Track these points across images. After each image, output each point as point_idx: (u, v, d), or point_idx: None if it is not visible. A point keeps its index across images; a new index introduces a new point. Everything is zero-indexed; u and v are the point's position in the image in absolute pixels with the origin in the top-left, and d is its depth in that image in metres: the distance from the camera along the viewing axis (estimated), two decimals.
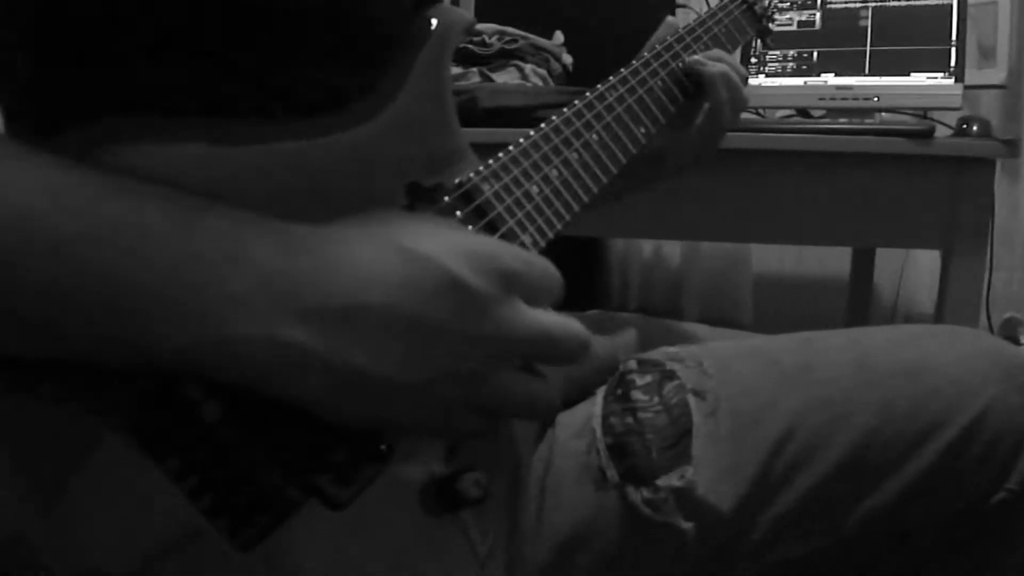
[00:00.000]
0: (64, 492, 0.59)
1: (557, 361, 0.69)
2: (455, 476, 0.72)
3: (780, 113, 2.39)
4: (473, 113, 1.81)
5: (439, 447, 0.73)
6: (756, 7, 1.36)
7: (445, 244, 0.64)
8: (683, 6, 2.37)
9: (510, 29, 2.13)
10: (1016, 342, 2.90)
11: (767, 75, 2.18)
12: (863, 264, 3.10)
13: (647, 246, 3.53)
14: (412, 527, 0.71)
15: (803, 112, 2.27)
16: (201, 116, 0.72)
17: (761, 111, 2.40)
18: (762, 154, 1.83)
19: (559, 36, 2.20)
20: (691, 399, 0.91)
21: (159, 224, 0.57)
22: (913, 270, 3.26)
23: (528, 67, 2.07)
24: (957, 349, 0.94)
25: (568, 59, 2.17)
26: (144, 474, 0.60)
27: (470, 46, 2.10)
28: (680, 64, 1.12)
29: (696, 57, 1.13)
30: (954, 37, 2.03)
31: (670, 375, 0.93)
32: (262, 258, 0.59)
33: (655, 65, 1.09)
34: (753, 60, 2.19)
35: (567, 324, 0.68)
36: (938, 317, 1.84)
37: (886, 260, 3.27)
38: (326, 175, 0.75)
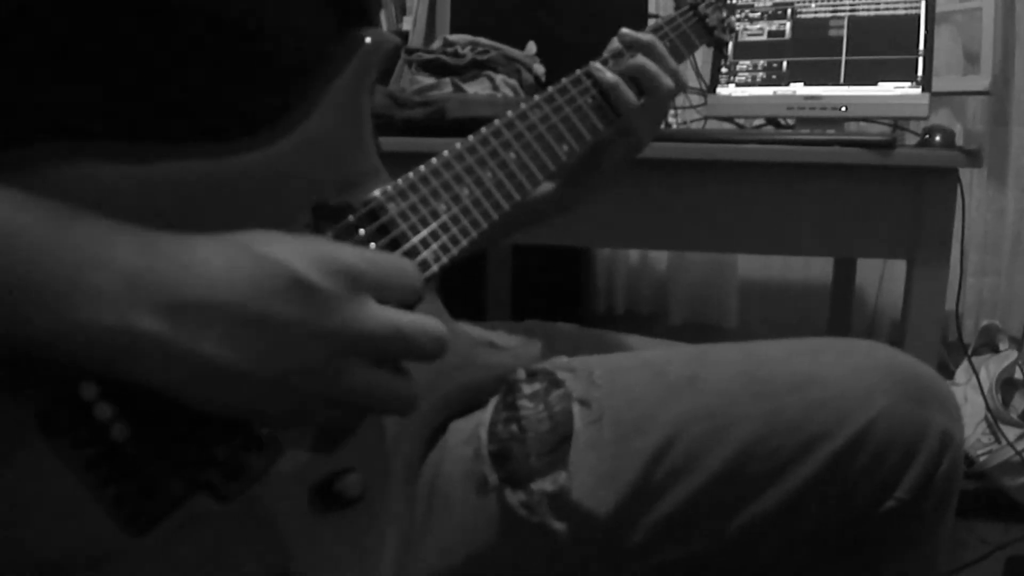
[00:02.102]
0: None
1: (412, 356, 0.73)
2: (334, 477, 0.78)
3: (754, 123, 2.41)
4: (441, 124, 1.84)
5: (327, 446, 0.79)
6: (708, 20, 1.37)
7: (292, 247, 0.68)
8: (655, 16, 2.39)
9: (483, 40, 2.14)
10: (995, 350, 2.90)
11: (737, 84, 2.19)
12: (845, 270, 3.11)
13: (634, 252, 3.55)
14: (301, 524, 0.77)
15: (773, 122, 2.29)
16: (114, 140, 0.76)
17: (740, 122, 2.42)
18: (729, 165, 1.85)
19: (532, 47, 2.21)
20: (576, 407, 0.94)
21: (31, 226, 0.62)
22: (893, 276, 3.26)
23: (499, 77, 2.09)
24: (849, 361, 0.96)
25: (540, 69, 2.18)
26: (54, 469, 0.66)
27: (443, 56, 2.12)
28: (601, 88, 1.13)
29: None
30: (921, 47, 2.04)
31: (557, 384, 0.96)
32: (123, 258, 0.64)
33: (587, 82, 1.11)
34: (724, 70, 2.20)
35: (421, 321, 0.71)
36: (903, 327, 1.85)
37: (868, 266, 3.28)
38: (231, 193, 0.80)
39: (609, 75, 1.13)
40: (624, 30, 1.18)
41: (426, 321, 0.72)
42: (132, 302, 0.62)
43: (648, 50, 1.17)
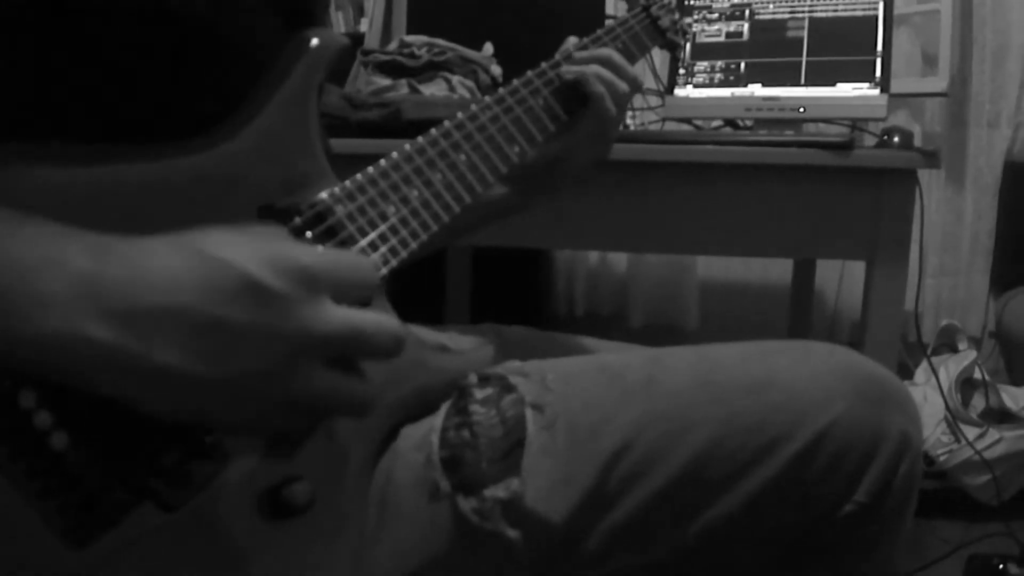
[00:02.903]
0: None
1: (371, 355, 0.71)
2: (282, 485, 0.76)
3: (712, 124, 2.41)
4: (397, 125, 1.83)
5: (276, 454, 0.77)
6: (660, 22, 1.37)
7: (246, 249, 0.66)
8: (612, 17, 2.39)
9: (439, 41, 2.13)
10: (954, 350, 2.92)
11: (695, 86, 2.18)
12: (804, 271, 3.12)
13: (593, 253, 3.55)
14: (249, 533, 0.75)
15: (731, 123, 2.29)
16: (57, 140, 0.74)
17: (698, 123, 2.42)
18: (687, 166, 1.85)
19: (488, 48, 2.20)
20: (528, 412, 0.93)
21: None
22: (853, 276, 3.28)
23: (456, 79, 2.08)
24: (807, 365, 0.96)
25: (497, 70, 2.17)
26: None
27: (399, 57, 2.11)
28: (558, 81, 1.13)
29: (567, 67, 1.14)
30: (879, 48, 2.04)
31: (510, 388, 0.95)
32: (72, 263, 0.62)
33: (538, 83, 1.10)
34: (681, 71, 2.19)
35: (378, 320, 0.70)
36: (863, 327, 1.85)
37: (827, 267, 3.29)
38: (176, 195, 0.78)
39: (576, 70, 1.14)
40: (580, 54, 1.18)
41: (382, 319, 0.70)
42: (83, 309, 0.61)
43: (605, 63, 1.17)
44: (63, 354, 0.61)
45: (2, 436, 0.64)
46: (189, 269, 0.64)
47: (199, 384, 0.64)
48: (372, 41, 2.59)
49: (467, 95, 2.06)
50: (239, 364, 0.65)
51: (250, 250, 0.66)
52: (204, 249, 0.66)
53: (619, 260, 3.56)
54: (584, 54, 1.17)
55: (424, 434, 0.94)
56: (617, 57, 1.19)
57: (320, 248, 0.74)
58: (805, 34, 2.11)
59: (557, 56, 1.16)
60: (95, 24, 0.77)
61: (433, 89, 2.07)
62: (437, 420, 0.94)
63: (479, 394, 0.94)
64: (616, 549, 0.91)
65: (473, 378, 0.97)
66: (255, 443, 0.76)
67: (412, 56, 2.11)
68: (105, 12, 0.77)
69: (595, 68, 1.15)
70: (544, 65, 1.13)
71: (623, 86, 1.18)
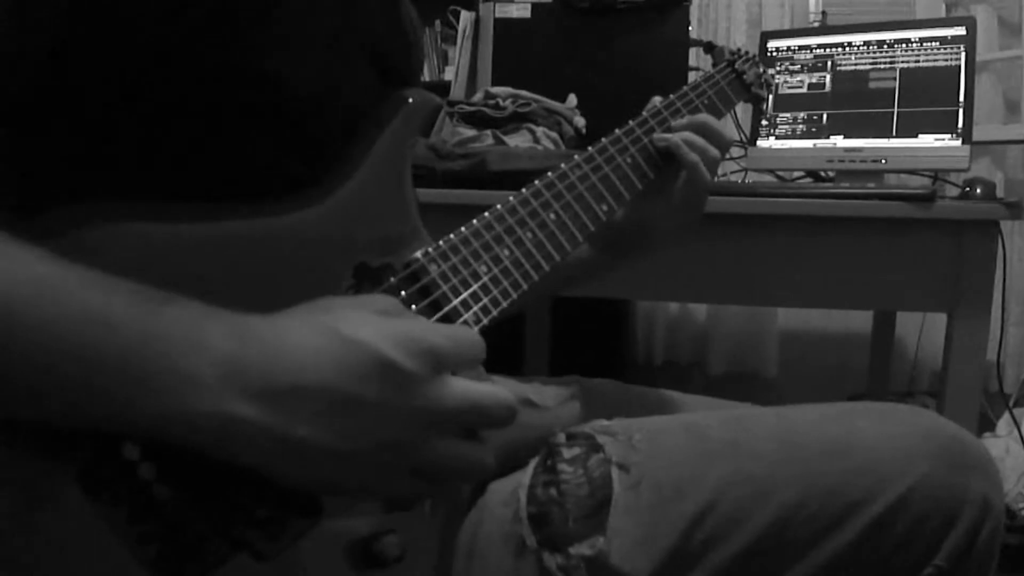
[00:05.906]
0: (20, 540, 0.66)
1: (487, 426, 0.75)
2: (374, 537, 0.78)
3: (794, 176, 2.42)
4: (482, 176, 1.86)
5: (369, 507, 0.79)
6: (745, 76, 1.38)
7: (379, 330, 0.70)
8: (695, 69, 2.40)
9: (524, 92, 2.16)
10: None
11: (777, 137, 2.20)
12: (885, 320, 3.09)
13: (673, 302, 3.55)
14: None
15: (813, 174, 2.29)
16: (157, 200, 0.77)
17: (780, 174, 2.42)
18: (769, 218, 1.86)
19: (572, 99, 2.23)
20: (614, 471, 0.94)
21: (124, 312, 0.64)
22: (933, 325, 3.25)
23: (540, 130, 2.11)
24: (887, 427, 0.95)
25: (581, 121, 2.19)
26: (96, 528, 0.67)
27: (484, 109, 2.14)
28: (650, 142, 1.14)
29: (658, 134, 1.16)
30: (962, 99, 2.04)
31: (597, 448, 0.96)
32: (216, 344, 0.65)
33: (625, 142, 1.12)
34: (764, 123, 2.21)
35: (494, 393, 0.74)
36: (944, 378, 1.84)
37: (908, 315, 3.27)
38: (275, 254, 0.81)
39: (668, 138, 1.16)
40: (678, 122, 1.19)
41: (497, 392, 0.74)
42: (228, 389, 0.64)
43: (700, 129, 1.19)
44: (212, 431, 0.65)
45: (107, 484, 0.67)
46: (325, 350, 0.68)
47: (336, 457, 0.68)
48: (458, 92, 2.63)
49: (551, 146, 2.09)
50: (373, 438, 0.69)
51: (382, 330, 0.70)
52: (339, 329, 0.69)
53: (699, 309, 3.56)
54: (682, 122, 1.19)
55: (512, 490, 0.95)
56: (713, 122, 1.21)
57: (444, 327, 0.77)
58: (887, 85, 2.11)
59: (644, 114, 1.18)
60: (192, 83, 0.80)
61: (518, 140, 2.10)
62: (525, 477, 0.96)
63: (567, 453, 0.96)
64: None
65: (561, 437, 0.98)
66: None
67: (497, 107, 2.14)
68: (202, 72, 0.80)
69: (687, 135, 1.17)
70: (632, 123, 1.15)
71: (715, 152, 1.19)
